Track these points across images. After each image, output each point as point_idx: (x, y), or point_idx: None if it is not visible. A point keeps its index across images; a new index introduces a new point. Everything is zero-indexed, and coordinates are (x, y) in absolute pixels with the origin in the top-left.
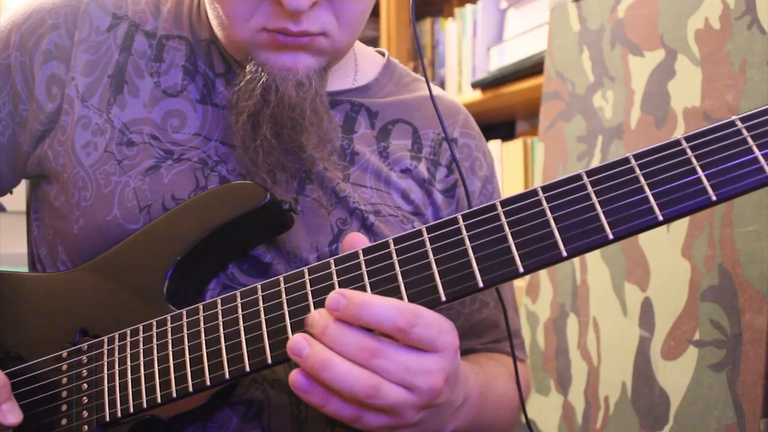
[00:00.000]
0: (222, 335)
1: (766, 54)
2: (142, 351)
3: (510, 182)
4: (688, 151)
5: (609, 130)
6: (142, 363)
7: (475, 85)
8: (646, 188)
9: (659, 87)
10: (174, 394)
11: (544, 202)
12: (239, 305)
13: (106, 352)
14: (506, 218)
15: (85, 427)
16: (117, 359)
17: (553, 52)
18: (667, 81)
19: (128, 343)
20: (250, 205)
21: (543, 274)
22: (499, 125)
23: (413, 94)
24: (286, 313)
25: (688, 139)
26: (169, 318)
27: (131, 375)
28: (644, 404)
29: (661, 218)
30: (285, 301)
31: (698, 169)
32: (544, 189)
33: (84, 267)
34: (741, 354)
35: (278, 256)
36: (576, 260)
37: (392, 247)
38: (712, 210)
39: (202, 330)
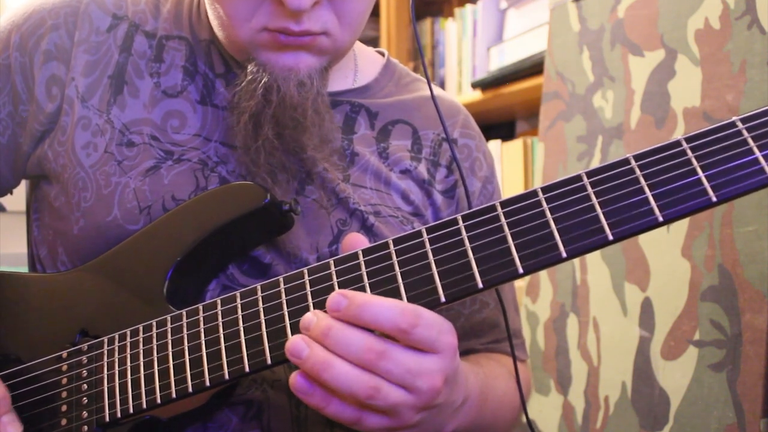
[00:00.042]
0: (222, 336)
1: (766, 54)
2: (141, 351)
3: (510, 182)
4: (689, 151)
5: (609, 130)
6: (141, 363)
7: (475, 85)
8: (647, 189)
9: (659, 87)
10: (173, 395)
11: (544, 203)
12: (239, 306)
13: (106, 352)
14: (506, 219)
15: (85, 427)
16: (117, 360)
17: (553, 52)
18: (667, 81)
19: (128, 344)
20: (250, 206)
21: (543, 274)
22: (499, 125)
23: (413, 95)
24: (286, 313)
25: (688, 139)
26: (168, 318)
27: (131, 375)
28: (644, 404)
29: (661, 219)
30: (285, 301)
31: (698, 169)
32: (544, 189)
33: (84, 267)
34: (741, 354)
35: (278, 257)
36: (576, 260)
37: (392, 248)
38: (712, 210)
39: (202, 330)
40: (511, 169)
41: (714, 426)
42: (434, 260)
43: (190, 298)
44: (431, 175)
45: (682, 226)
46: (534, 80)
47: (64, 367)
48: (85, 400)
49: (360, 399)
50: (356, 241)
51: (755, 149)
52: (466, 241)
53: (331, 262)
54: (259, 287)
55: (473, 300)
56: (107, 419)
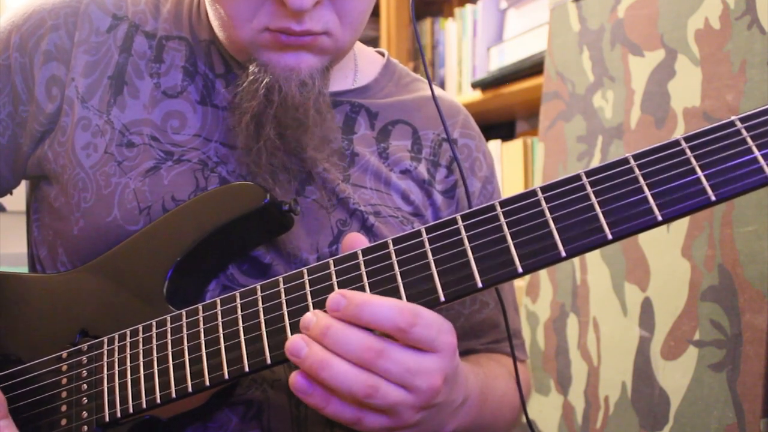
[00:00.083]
0: (221, 336)
1: (766, 54)
2: (141, 351)
3: (510, 182)
4: (688, 151)
5: (609, 130)
6: (141, 363)
7: (475, 85)
8: (646, 188)
9: (659, 87)
10: (173, 395)
11: (544, 203)
12: (239, 305)
13: (105, 352)
14: (505, 218)
15: (85, 427)
16: (117, 360)
17: (553, 52)
18: (667, 81)
19: (128, 344)
20: (250, 206)
21: (543, 274)
22: (499, 125)
23: (413, 95)
24: (286, 313)
25: (687, 139)
26: (168, 318)
27: (131, 375)
28: (644, 404)
29: (660, 218)
30: (284, 301)
31: (697, 169)
32: (544, 189)
33: (84, 268)
34: (741, 354)
35: (278, 257)
36: (576, 260)
37: (391, 248)
38: (712, 210)
39: (202, 330)
40: (511, 169)
41: (714, 426)
42: (433, 260)
43: (189, 298)
44: (431, 175)
45: (682, 225)
46: (534, 80)
47: (64, 368)
48: (84, 400)
49: (359, 398)
50: (356, 241)
51: (754, 149)
52: (466, 241)
53: (331, 261)
54: (258, 287)
55: (473, 300)
56: (107, 419)
